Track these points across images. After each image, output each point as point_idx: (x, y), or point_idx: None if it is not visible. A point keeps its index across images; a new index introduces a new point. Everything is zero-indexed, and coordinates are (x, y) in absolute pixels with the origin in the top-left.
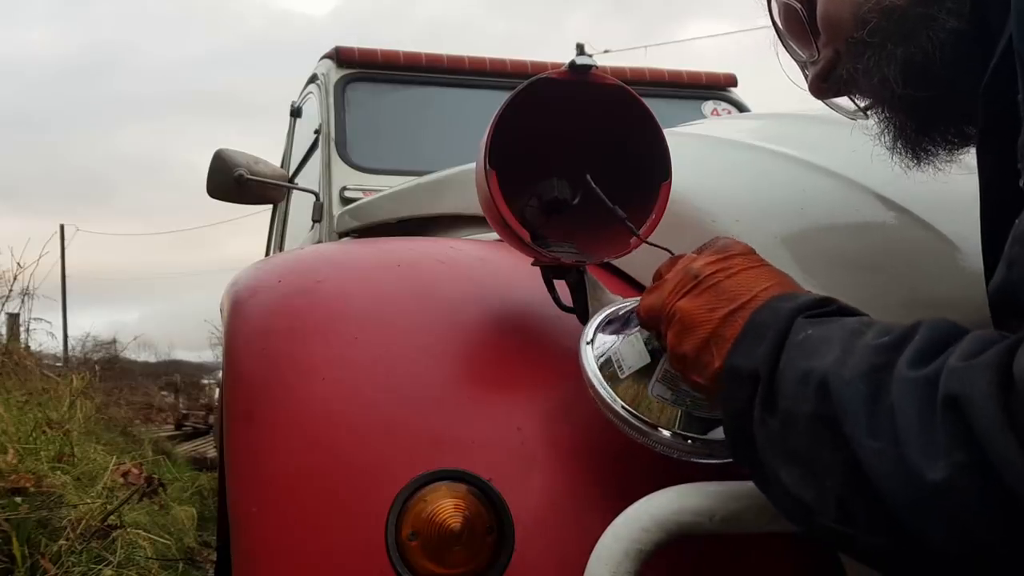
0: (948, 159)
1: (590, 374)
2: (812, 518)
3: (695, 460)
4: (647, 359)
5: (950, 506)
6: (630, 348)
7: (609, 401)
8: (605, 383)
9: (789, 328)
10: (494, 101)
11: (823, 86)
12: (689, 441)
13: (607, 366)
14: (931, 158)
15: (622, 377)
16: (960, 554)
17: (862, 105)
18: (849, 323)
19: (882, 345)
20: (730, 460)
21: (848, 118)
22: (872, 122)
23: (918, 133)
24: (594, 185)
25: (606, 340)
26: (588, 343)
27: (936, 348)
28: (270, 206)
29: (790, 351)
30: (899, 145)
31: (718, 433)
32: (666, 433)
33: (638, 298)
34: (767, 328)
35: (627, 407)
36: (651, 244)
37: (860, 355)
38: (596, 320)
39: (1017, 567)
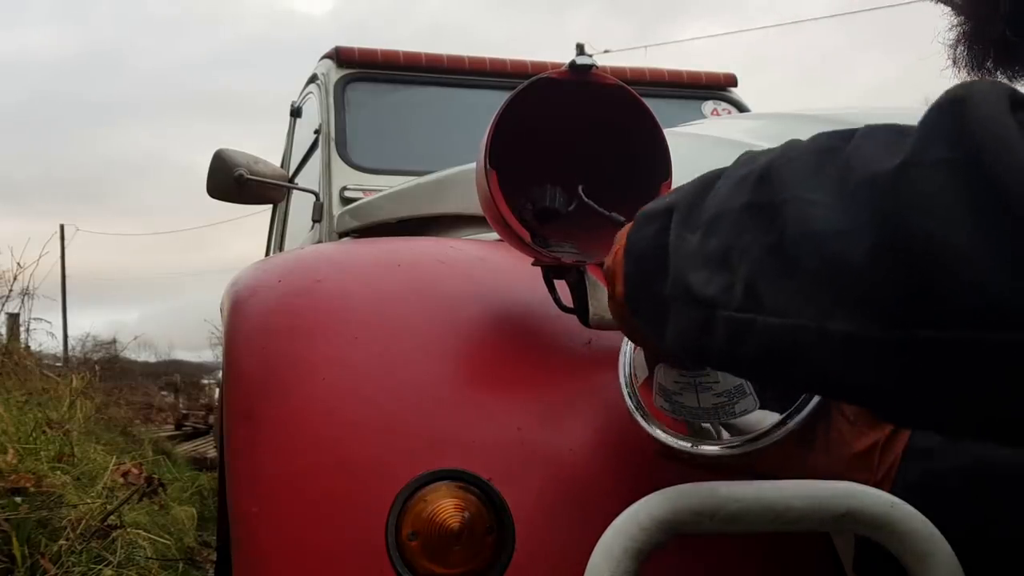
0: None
1: (620, 383)
2: (712, 315)
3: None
4: (646, 371)
5: (896, 197)
6: (639, 358)
7: (635, 416)
8: (630, 395)
9: (718, 173)
10: (494, 101)
11: None
12: (691, 446)
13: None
14: (990, 75)
15: (638, 386)
16: (886, 270)
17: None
18: None
19: (836, 132)
20: (731, 453)
21: None
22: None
23: (993, 62)
24: (587, 199)
25: (634, 353)
26: (626, 356)
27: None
28: (270, 206)
29: (728, 171)
30: (964, 60)
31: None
32: (659, 434)
33: None
34: (682, 186)
35: (653, 421)
36: None
37: (809, 140)
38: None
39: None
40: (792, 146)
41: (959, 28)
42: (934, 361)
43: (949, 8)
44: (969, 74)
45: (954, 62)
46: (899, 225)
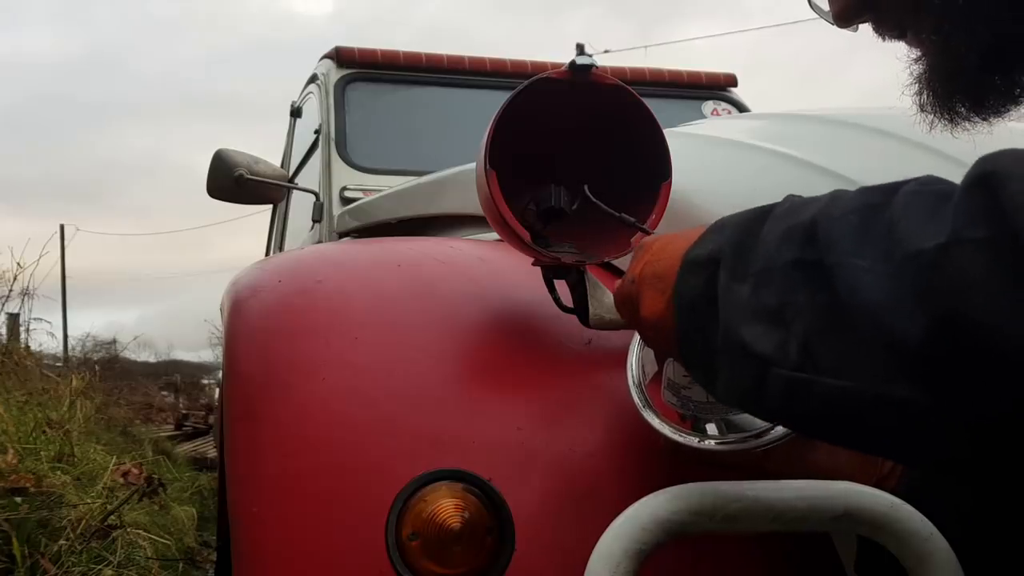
0: (983, 118)
1: (628, 379)
2: (767, 373)
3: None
4: (656, 366)
5: (941, 276)
6: (649, 354)
7: (640, 409)
8: (637, 391)
9: (760, 217)
10: (494, 101)
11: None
12: (698, 440)
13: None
14: (963, 119)
15: (646, 384)
16: (942, 349)
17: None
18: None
19: (878, 187)
20: (734, 453)
21: (827, 21)
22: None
23: (966, 106)
24: (594, 199)
25: (643, 349)
26: (634, 352)
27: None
28: (270, 206)
29: (773, 221)
30: (932, 105)
31: (734, 425)
32: (666, 429)
33: None
34: (723, 227)
35: (655, 410)
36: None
37: (853, 196)
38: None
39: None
40: (838, 198)
41: (925, 72)
42: (986, 431)
43: (914, 47)
44: (939, 119)
45: (920, 108)
46: (946, 305)
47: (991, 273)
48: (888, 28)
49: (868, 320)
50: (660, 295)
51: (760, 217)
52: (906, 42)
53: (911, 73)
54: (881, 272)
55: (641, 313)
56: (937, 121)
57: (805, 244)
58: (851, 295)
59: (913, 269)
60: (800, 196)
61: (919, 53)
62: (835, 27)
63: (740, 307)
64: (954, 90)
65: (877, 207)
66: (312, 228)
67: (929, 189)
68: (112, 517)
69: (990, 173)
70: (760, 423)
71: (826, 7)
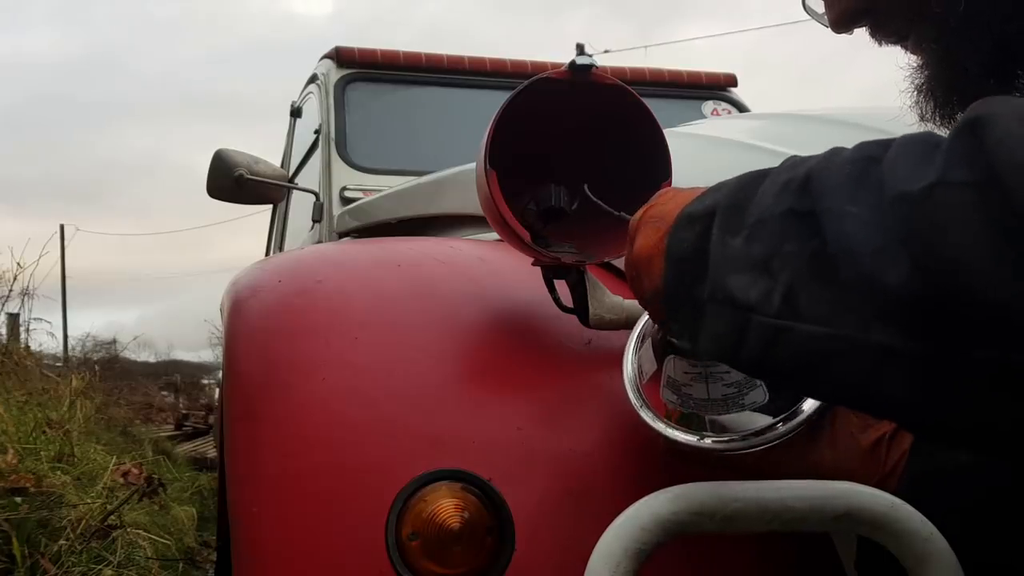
0: None
1: (624, 379)
2: (748, 321)
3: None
4: (655, 364)
5: (925, 218)
6: (647, 353)
7: (637, 410)
8: (634, 391)
9: (759, 177)
10: (494, 101)
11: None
12: (698, 439)
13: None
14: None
15: (643, 384)
16: (922, 292)
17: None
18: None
19: (876, 141)
20: (735, 452)
21: (823, 25)
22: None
23: (977, 81)
24: (595, 198)
25: (641, 348)
26: (631, 352)
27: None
28: (270, 206)
29: (771, 178)
30: (932, 113)
31: (733, 424)
32: (663, 427)
33: None
34: (722, 186)
35: (652, 412)
36: None
37: (851, 149)
38: (635, 331)
39: (989, 304)
40: (835, 153)
41: (926, 81)
42: (964, 377)
43: (914, 54)
44: (940, 127)
45: (921, 117)
46: (928, 245)
47: (973, 216)
48: (886, 34)
49: (851, 264)
50: (654, 232)
51: (759, 177)
52: (906, 49)
53: (912, 82)
54: (868, 217)
55: (633, 251)
56: (938, 129)
57: (799, 194)
58: (837, 240)
59: (898, 211)
60: (801, 156)
61: (920, 61)
62: (831, 31)
63: (730, 259)
64: (956, 99)
65: (873, 159)
66: (312, 228)
67: (923, 138)
68: (112, 517)
69: (978, 118)
70: (760, 422)
71: (822, 11)
